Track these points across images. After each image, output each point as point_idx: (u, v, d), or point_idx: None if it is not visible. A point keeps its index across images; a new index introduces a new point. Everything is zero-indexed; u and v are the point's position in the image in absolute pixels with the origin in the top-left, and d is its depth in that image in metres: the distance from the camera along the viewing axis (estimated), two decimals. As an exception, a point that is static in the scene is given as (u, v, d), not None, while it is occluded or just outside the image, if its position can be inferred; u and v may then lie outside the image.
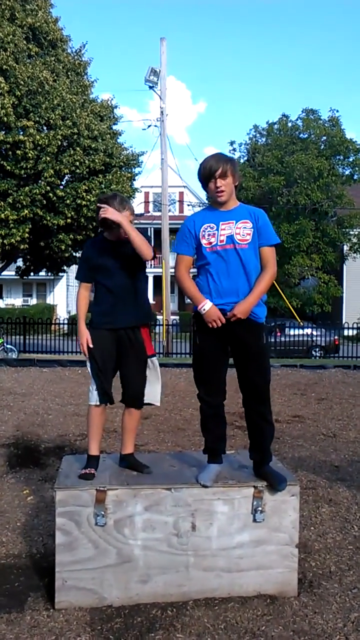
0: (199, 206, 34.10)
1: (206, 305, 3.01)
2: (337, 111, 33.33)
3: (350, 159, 29.24)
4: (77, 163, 14.64)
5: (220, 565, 3.03)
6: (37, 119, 14.32)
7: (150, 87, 20.67)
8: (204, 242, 3.06)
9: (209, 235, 3.06)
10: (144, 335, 3.31)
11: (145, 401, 3.35)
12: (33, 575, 3.26)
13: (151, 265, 27.12)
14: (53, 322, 23.39)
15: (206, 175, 3.04)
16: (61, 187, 15.05)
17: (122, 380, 3.32)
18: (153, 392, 3.37)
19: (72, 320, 22.07)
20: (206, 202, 35.08)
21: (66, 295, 37.09)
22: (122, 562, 2.97)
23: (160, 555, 2.99)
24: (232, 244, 3.03)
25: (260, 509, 3.02)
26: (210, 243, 3.05)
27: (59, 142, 14.43)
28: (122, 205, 3.20)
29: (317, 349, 19.55)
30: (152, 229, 32.02)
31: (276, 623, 2.79)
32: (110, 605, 2.95)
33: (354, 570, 3.30)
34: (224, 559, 3.03)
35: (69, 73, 15.99)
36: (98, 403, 3.23)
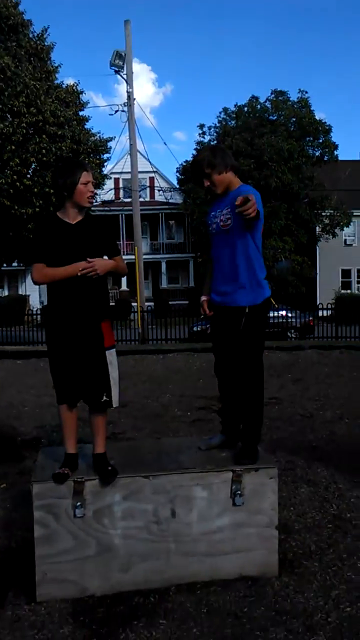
0: (170, 191, 33.88)
1: (201, 299, 3.34)
2: (306, 92, 33.11)
3: (320, 140, 29.33)
4: (44, 151, 14.41)
5: (201, 550, 3.03)
6: (1, 106, 14.01)
7: (116, 72, 20.35)
8: (208, 230, 3.27)
9: (209, 223, 3.25)
10: (104, 328, 3.04)
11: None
12: (13, 569, 3.22)
13: (124, 252, 26.94)
14: (26, 313, 23.10)
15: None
16: (28, 176, 14.81)
17: (79, 377, 3.02)
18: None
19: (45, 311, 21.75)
20: (177, 186, 34.97)
21: (39, 286, 36.62)
22: (102, 552, 2.96)
23: (140, 543, 2.98)
24: (219, 230, 3.16)
25: (239, 492, 3.02)
26: (210, 230, 3.24)
27: (24, 130, 14.17)
28: (88, 171, 2.99)
29: (293, 331, 19.69)
30: (124, 215, 31.70)
31: (258, 604, 2.80)
32: (92, 595, 2.94)
33: (334, 549, 3.34)
34: (205, 543, 3.03)
35: (32, 58, 15.68)
36: (56, 403, 3.12)
